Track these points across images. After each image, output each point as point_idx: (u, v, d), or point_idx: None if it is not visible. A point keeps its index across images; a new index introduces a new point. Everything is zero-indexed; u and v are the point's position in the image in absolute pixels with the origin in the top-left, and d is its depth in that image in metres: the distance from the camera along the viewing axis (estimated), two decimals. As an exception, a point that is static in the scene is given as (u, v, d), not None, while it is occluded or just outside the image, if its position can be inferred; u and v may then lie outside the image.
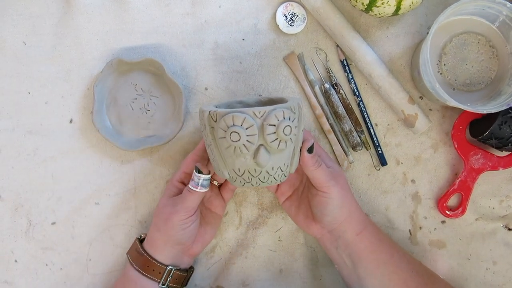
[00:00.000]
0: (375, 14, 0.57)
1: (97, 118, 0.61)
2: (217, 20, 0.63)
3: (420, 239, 0.63)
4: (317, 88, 0.63)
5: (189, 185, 0.54)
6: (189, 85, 0.63)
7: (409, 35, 0.62)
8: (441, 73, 0.60)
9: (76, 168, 0.63)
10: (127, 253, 0.59)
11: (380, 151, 0.63)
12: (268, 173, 0.50)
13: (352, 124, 0.63)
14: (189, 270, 0.60)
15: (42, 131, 0.63)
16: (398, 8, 0.55)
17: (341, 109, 0.62)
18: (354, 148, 0.62)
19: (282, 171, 0.51)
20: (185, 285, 0.60)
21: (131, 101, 0.63)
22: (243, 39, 0.63)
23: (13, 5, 0.63)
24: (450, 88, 0.60)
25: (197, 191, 0.53)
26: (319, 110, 0.63)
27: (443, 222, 0.63)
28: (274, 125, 0.48)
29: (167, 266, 0.56)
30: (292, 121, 0.49)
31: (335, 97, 0.62)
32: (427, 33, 0.58)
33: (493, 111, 0.53)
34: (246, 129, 0.47)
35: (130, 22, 0.63)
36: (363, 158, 0.63)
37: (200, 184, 0.53)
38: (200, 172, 0.53)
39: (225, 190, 0.60)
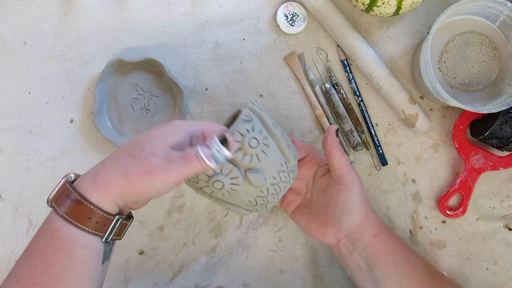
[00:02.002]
0: (376, 14, 0.57)
1: (98, 118, 0.61)
2: (218, 20, 0.63)
3: (420, 239, 0.63)
4: (317, 88, 0.63)
5: (200, 150, 0.42)
6: (189, 85, 0.63)
7: (410, 35, 0.62)
8: (440, 70, 0.60)
9: (77, 168, 0.63)
10: (53, 204, 0.43)
11: (381, 151, 0.63)
12: (274, 184, 0.48)
13: (352, 124, 0.63)
14: (131, 217, 0.48)
15: (42, 131, 0.63)
16: (398, 8, 0.55)
17: (341, 109, 0.62)
18: (354, 148, 0.62)
19: (285, 171, 0.49)
20: (122, 236, 0.48)
21: (132, 101, 0.63)
22: (244, 39, 0.63)
23: (14, 5, 0.63)
24: (448, 86, 0.60)
25: (206, 164, 0.42)
26: (319, 110, 0.63)
27: (443, 222, 0.63)
28: (240, 149, 0.45)
29: (114, 216, 0.43)
30: (253, 130, 0.46)
31: (335, 97, 0.62)
32: (428, 33, 0.58)
33: (494, 111, 0.53)
34: (221, 170, 0.45)
35: (130, 22, 0.63)
36: (364, 158, 0.63)
37: (215, 157, 0.42)
38: (223, 144, 0.42)
39: None
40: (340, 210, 0.52)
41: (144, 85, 0.63)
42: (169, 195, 0.63)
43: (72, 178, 0.44)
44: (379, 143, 0.63)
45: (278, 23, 0.62)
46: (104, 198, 0.42)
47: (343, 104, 0.63)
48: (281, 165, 0.49)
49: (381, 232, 0.54)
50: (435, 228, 0.63)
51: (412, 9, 0.56)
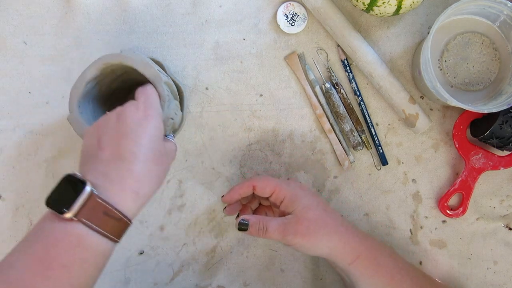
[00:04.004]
0: (376, 14, 0.57)
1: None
2: (218, 19, 0.63)
3: (421, 238, 0.63)
4: (317, 88, 0.63)
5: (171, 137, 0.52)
6: (189, 85, 0.63)
7: (410, 34, 0.62)
8: (441, 69, 0.60)
9: (77, 168, 0.63)
10: (84, 220, 0.41)
11: (381, 151, 0.63)
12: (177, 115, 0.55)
13: (352, 123, 0.63)
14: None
15: (42, 131, 0.63)
16: (399, 7, 0.55)
17: (341, 109, 0.62)
18: (355, 147, 0.62)
19: (177, 106, 0.55)
20: None
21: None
22: (244, 39, 0.63)
23: (14, 5, 0.63)
24: (449, 85, 0.60)
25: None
26: (319, 110, 0.63)
27: (444, 221, 0.63)
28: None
29: (131, 219, 0.44)
30: (177, 111, 0.54)
31: (335, 97, 0.62)
32: (428, 33, 0.58)
33: (494, 110, 0.53)
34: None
35: (130, 22, 0.63)
36: (364, 158, 0.63)
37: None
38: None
39: None
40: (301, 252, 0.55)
41: (144, 85, 0.63)
42: (169, 195, 0.63)
43: (94, 190, 0.41)
44: (379, 142, 0.63)
45: (278, 23, 0.62)
46: (139, 210, 0.44)
47: (343, 104, 0.63)
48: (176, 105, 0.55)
49: (358, 259, 0.52)
50: (436, 228, 0.63)
51: (412, 9, 0.56)
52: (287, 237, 0.51)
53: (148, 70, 0.51)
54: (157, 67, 0.52)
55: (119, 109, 0.47)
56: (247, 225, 0.53)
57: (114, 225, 0.42)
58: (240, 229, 0.53)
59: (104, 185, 0.42)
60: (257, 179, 0.56)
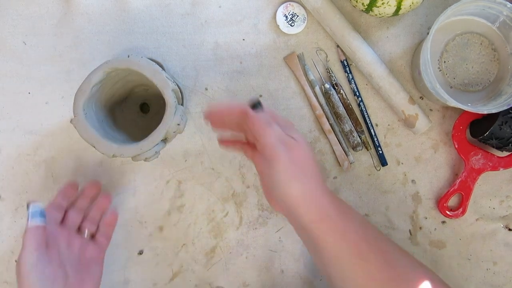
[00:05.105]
0: (376, 14, 0.57)
1: (98, 118, 0.61)
2: (217, 20, 0.63)
3: (420, 239, 0.63)
4: (317, 88, 0.63)
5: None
6: (189, 85, 0.63)
7: (410, 35, 0.62)
8: (440, 70, 0.60)
9: (77, 169, 0.63)
10: None
11: (381, 151, 0.63)
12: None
13: (352, 124, 0.63)
14: None
15: (42, 131, 0.63)
16: (398, 8, 0.55)
17: (341, 109, 0.62)
18: (354, 148, 0.62)
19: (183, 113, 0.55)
20: None
21: (132, 101, 0.63)
22: (243, 39, 0.63)
23: (13, 5, 0.63)
24: (448, 86, 0.60)
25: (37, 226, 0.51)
26: (319, 110, 0.63)
27: (443, 222, 0.63)
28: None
29: None
30: (181, 119, 0.53)
31: (335, 97, 0.62)
32: (428, 33, 0.58)
33: (494, 111, 0.53)
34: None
35: (130, 22, 0.63)
36: (364, 158, 0.63)
37: (39, 217, 0.51)
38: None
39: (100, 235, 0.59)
40: (268, 182, 0.48)
41: (144, 85, 0.63)
42: (169, 196, 0.63)
43: None
44: (379, 143, 0.63)
45: (278, 24, 0.62)
46: None
47: (342, 105, 0.63)
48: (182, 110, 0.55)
49: (323, 221, 0.46)
50: (435, 229, 0.63)
51: (411, 10, 0.56)
52: (279, 147, 0.45)
53: (156, 77, 0.52)
54: (159, 69, 0.52)
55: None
56: (257, 106, 0.47)
57: None
58: (253, 106, 0.47)
59: None
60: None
